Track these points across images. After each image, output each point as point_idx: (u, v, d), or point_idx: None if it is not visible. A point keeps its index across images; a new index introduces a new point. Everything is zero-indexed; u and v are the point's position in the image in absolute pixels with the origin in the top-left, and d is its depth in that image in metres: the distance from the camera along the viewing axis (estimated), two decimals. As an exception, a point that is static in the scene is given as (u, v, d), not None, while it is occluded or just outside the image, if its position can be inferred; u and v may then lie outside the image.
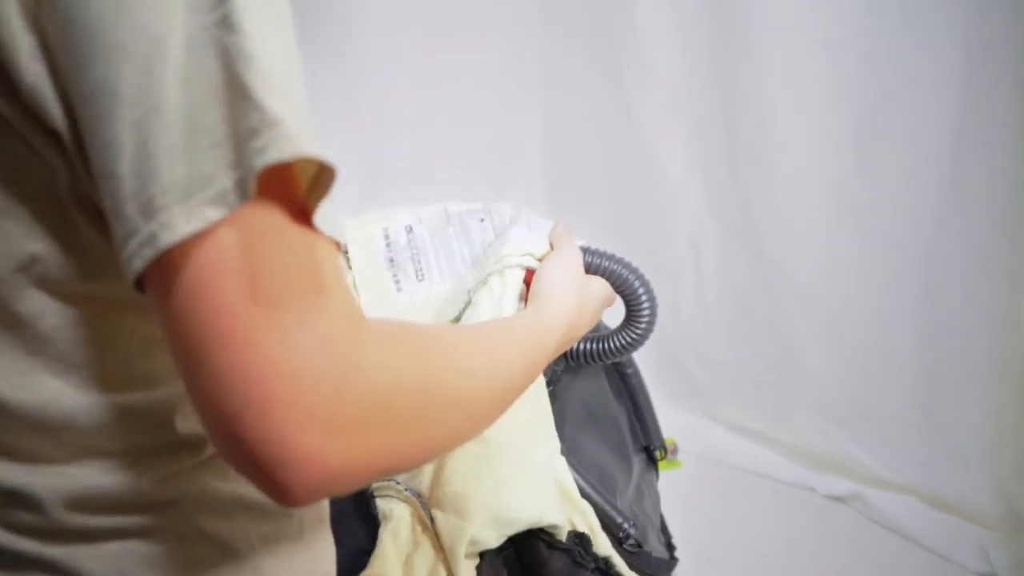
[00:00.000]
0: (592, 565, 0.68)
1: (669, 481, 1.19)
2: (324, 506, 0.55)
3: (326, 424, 0.34)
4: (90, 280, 0.39)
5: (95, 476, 0.43)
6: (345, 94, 1.12)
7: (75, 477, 0.43)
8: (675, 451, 1.25)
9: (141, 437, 0.44)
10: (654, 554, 0.76)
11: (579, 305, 0.64)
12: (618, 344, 0.72)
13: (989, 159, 0.96)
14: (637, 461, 0.86)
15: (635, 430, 0.89)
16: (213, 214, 0.32)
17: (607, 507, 0.71)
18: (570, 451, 0.71)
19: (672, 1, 1.15)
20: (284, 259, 0.34)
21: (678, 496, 1.15)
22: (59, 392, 0.41)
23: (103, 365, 0.42)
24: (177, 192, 0.32)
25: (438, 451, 0.49)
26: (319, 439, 0.34)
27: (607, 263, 0.69)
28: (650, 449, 0.90)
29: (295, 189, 0.35)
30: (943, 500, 1.08)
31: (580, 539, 0.67)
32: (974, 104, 0.96)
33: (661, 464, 1.24)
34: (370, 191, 0.99)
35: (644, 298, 0.69)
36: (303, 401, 0.33)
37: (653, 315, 0.70)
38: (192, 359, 0.34)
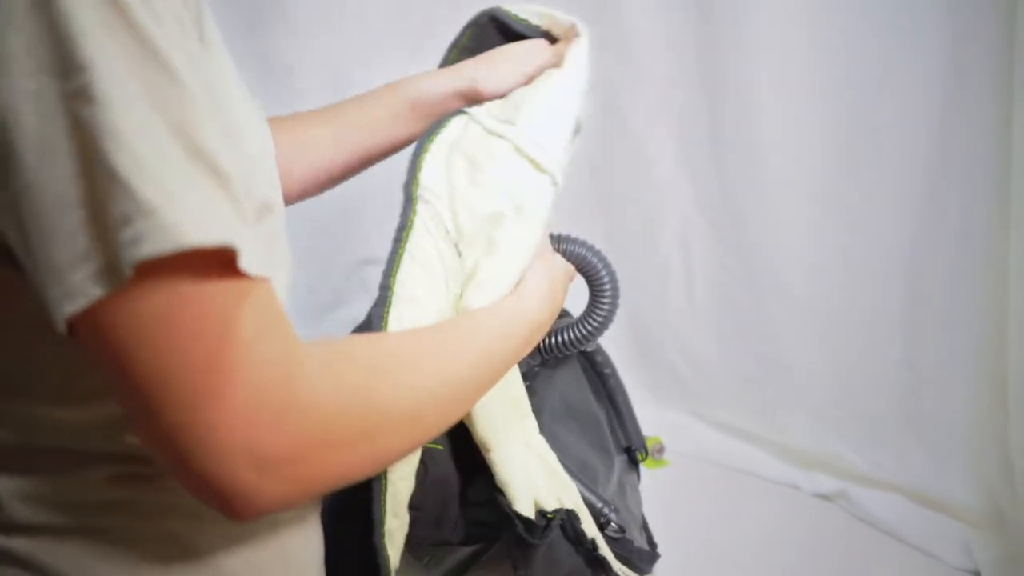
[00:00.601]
0: (582, 543, 0.68)
1: (655, 479, 1.19)
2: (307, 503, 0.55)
3: (265, 463, 0.36)
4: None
5: (51, 475, 0.44)
6: (334, 95, 1.11)
7: (31, 475, 0.44)
8: (661, 450, 1.25)
9: (96, 444, 0.44)
10: (637, 546, 0.76)
11: (551, 282, 0.64)
12: (587, 329, 0.72)
13: (974, 159, 0.97)
14: (619, 461, 0.86)
15: (615, 431, 0.89)
16: (95, 291, 0.33)
17: (588, 492, 0.71)
18: (550, 442, 0.71)
19: (659, 2, 1.15)
20: (200, 324, 0.35)
21: (664, 494, 1.15)
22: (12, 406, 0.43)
23: (53, 381, 0.42)
24: (59, 270, 0.33)
25: (390, 462, 0.52)
26: (259, 476, 0.36)
27: (566, 245, 0.69)
28: (631, 450, 0.90)
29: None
30: (927, 497, 1.08)
31: (569, 515, 0.67)
32: (959, 104, 0.96)
33: (648, 463, 1.25)
34: (357, 192, 0.98)
35: (604, 275, 0.70)
36: (240, 448, 0.35)
37: (615, 292, 0.71)
38: (133, 411, 0.36)
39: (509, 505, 0.64)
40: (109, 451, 0.44)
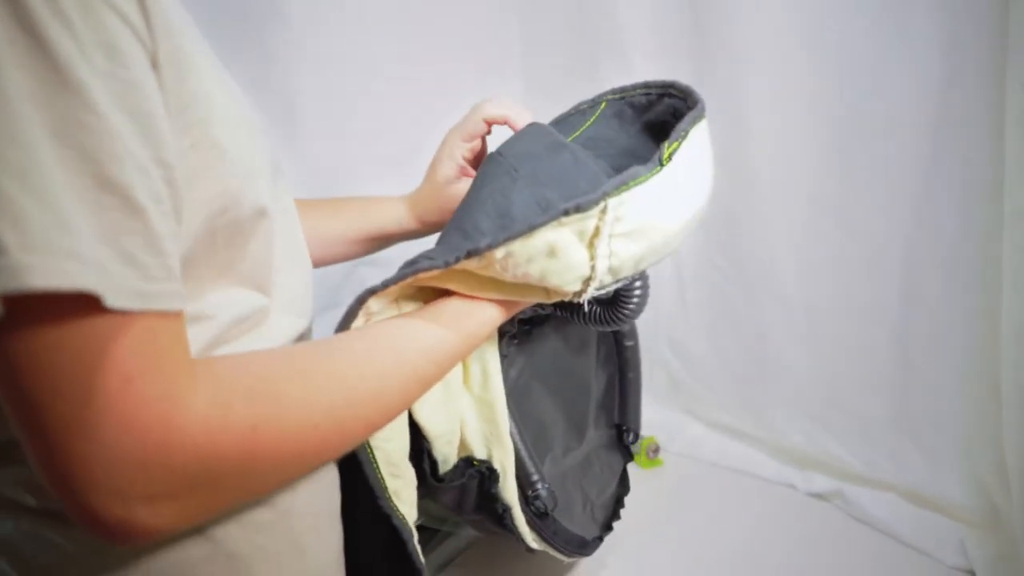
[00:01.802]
0: (491, 505, 0.66)
1: (650, 479, 1.19)
2: (319, 513, 0.55)
3: (137, 500, 0.37)
4: None
5: None
6: (328, 97, 1.11)
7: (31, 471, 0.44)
8: (656, 450, 1.26)
9: None
10: (569, 528, 0.74)
11: None
12: (600, 318, 0.69)
13: (967, 159, 0.97)
14: (597, 436, 0.84)
15: (609, 405, 0.87)
16: None
17: (527, 458, 0.69)
18: (517, 395, 0.69)
19: (653, 9, 1.15)
20: (72, 360, 0.35)
21: (659, 493, 1.16)
22: None
23: None
24: None
25: (288, 483, 0.51)
26: (130, 511, 0.37)
27: None
28: (621, 428, 0.87)
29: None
30: (922, 496, 1.09)
31: (488, 474, 0.65)
32: (952, 105, 0.96)
33: (643, 463, 1.25)
34: (358, 192, 0.98)
35: (638, 284, 0.66)
36: (112, 484, 0.36)
37: (644, 297, 0.67)
38: (19, 432, 0.37)
39: (427, 446, 0.63)
40: None
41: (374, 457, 0.58)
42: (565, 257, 0.55)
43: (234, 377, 0.42)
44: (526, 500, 0.69)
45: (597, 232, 0.55)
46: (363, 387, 0.48)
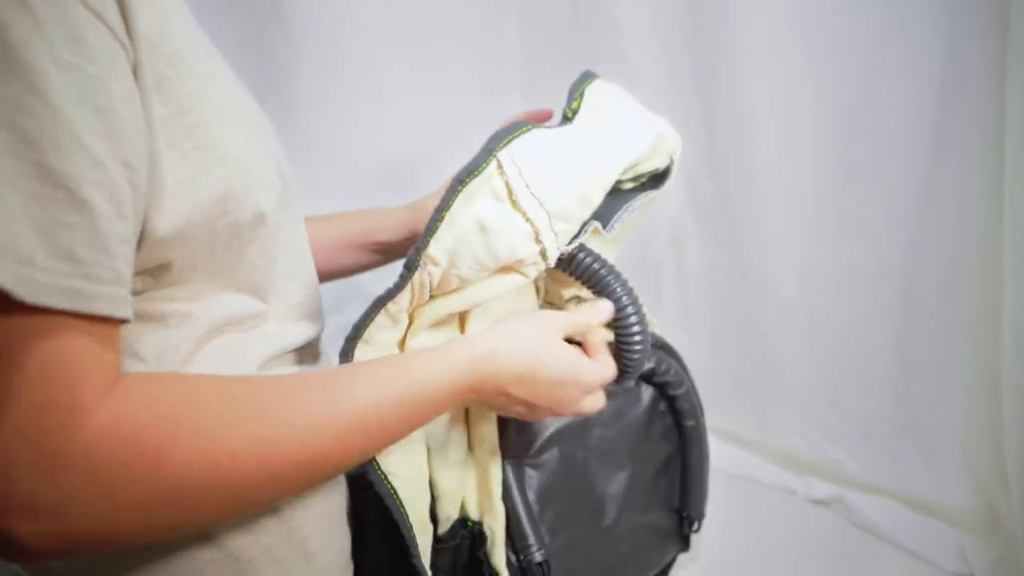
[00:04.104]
0: (478, 566, 0.64)
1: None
2: (319, 500, 0.55)
3: (23, 510, 0.35)
4: None
5: None
6: (325, 104, 1.11)
7: None
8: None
9: None
10: None
11: (518, 335, 0.55)
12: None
13: (967, 162, 0.97)
14: (646, 518, 0.77)
15: (664, 487, 0.79)
16: None
17: (526, 523, 0.66)
18: (536, 460, 0.67)
19: (652, 9, 1.15)
20: None
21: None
22: None
23: None
24: None
25: (199, 527, 0.46)
26: (17, 522, 0.35)
27: (606, 275, 0.62)
28: (682, 515, 0.82)
29: None
30: (922, 502, 1.09)
31: (480, 536, 0.64)
32: (952, 107, 0.97)
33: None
34: (348, 203, 0.98)
35: (637, 330, 0.62)
36: (3, 489, 0.35)
37: (644, 345, 0.64)
38: None
39: (433, 504, 0.62)
40: None
41: (405, 513, 0.56)
42: (497, 224, 0.55)
43: (153, 393, 0.40)
44: (519, 566, 0.66)
45: (509, 189, 0.55)
46: (295, 427, 0.43)
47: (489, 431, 0.64)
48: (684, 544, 0.85)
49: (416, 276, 0.55)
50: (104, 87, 0.37)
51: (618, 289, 0.62)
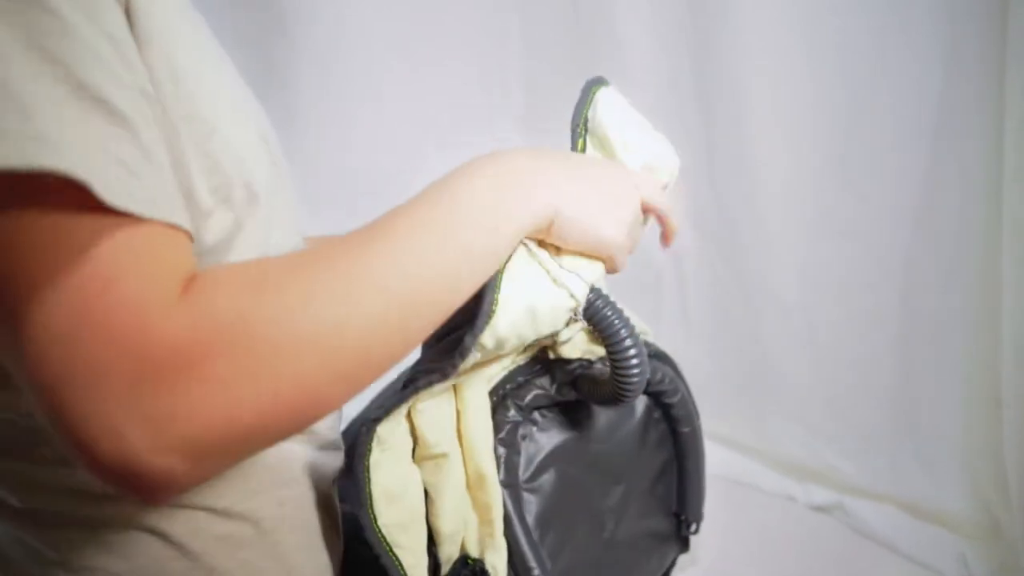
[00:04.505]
0: None
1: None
2: (303, 513, 0.54)
3: (137, 420, 0.32)
4: None
5: (34, 467, 0.44)
6: (325, 104, 1.11)
7: (17, 467, 0.44)
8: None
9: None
10: None
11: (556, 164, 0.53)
12: (601, 396, 0.64)
13: (967, 167, 0.97)
14: (646, 524, 0.77)
15: (663, 493, 0.79)
16: None
17: (527, 549, 0.64)
18: (532, 480, 0.66)
19: (653, 18, 1.15)
20: (49, 252, 0.33)
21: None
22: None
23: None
24: None
25: (312, 398, 0.40)
26: (138, 436, 0.32)
27: (610, 314, 0.59)
28: (680, 518, 0.81)
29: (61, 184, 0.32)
30: (923, 508, 1.08)
31: (482, 573, 0.61)
32: (951, 112, 0.97)
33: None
34: (348, 203, 0.98)
35: (632, 354, 0.60)
36: (96, 408, 0.32)
37: (643, 369, 0.61)
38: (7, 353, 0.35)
39: (434, 549, 0.60)
40: None
41: (400, 564, 0.55)
42: (543, 305, 0.54)
43: (234, 276, 0.38)
44: None
45: (546, 269, 0.54)
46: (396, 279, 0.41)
47: (490, 466, 0.63)
48: (684, 545, 0.84)
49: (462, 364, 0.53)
50: (111, 15, 0.36)
51: (609, 314, 0.60)
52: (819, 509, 1.15)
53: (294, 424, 0.39)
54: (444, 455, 0.58)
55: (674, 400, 0.77)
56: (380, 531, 0.54)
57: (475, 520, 0.63)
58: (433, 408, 0.58)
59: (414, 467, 0.57)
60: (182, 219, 0.37)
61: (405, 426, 0.57)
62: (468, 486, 0.63)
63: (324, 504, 0.56)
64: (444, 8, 1.19)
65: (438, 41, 1.20)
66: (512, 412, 0.64)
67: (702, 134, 1.17)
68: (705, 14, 1.10)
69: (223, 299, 0.36)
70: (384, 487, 0.54)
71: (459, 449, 0.63)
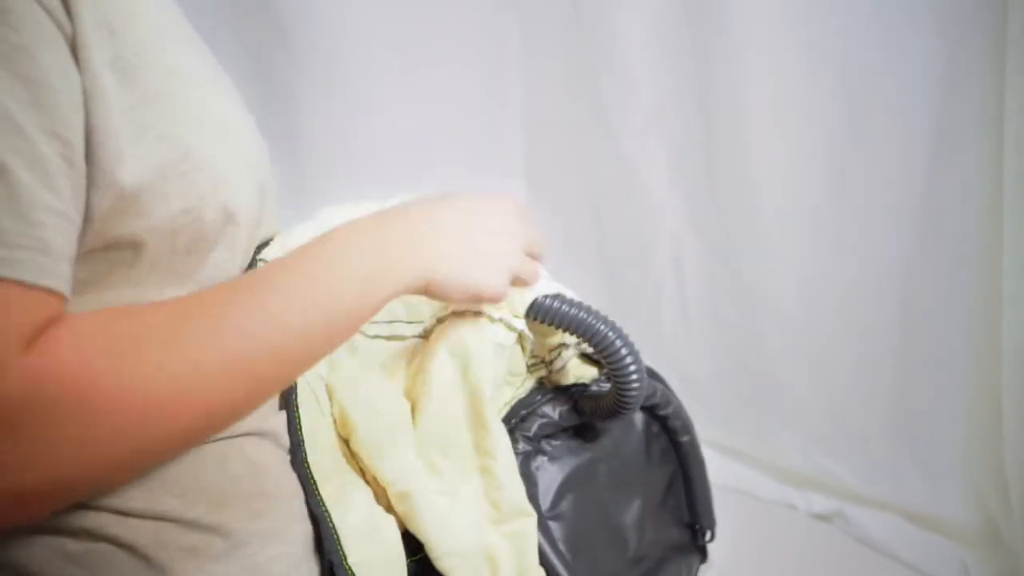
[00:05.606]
0: None
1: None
2: (280, 525, 0.52)
3: None
4: None
5: None
6: (325, 108, 1.10)
7: None
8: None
9: None
10: None
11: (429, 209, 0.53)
12: (602, 412, 0.65)
13: (966, 176, 0.97)
14: (664, 538, 0.77)
15: (674, 505, 0.80)
16: None
17: (563, 572, 0.63)
18: (555, 506, 0.65)
19: (653, 19, 1.14)
20: None
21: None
22: None
23: None
24: None
25: (141, 465, 0.42)
26: None
27: (582, 314, 0.59)
28: (694, 528, 0.82)
29: None
30: (923, 516, 1.08)
31: None
32: (951, 121, 0.96)
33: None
34: (350, 199, 0.97)
35: (630, 362, 0.60)
36: None
37: (642, 382, 0.61)
38: None
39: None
40: None
41: None
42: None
43: (78, 330, 0.37)
44: None
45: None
46: (222, 332, 0.41)
47: (520, 493, 0.62)
48: (703, 555, 0.85)
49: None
50: (28, 57, 0.36)
51: (601, 327, 0.59)
52: (819, 517, 1.14)
53: (129, 477, 0.42)
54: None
55: (668, 411, 0.77)
56: (351, 570, 0.52)
57: (508, 553, 0.61)
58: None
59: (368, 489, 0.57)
60: (43, 277, 0.36)
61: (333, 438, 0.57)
62: (494, 523, 0.61)
63: (304, 515, 0.54)
64: (444, 8, 1.18)
65: (438, 41, 1.19)
66: (522, 444, 0.64)
67: (703, 146, 1.16)
68: (705, 15, 1.09)
69: (73, 357, 0.36)
70: (353, 525, 0.53)
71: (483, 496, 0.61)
